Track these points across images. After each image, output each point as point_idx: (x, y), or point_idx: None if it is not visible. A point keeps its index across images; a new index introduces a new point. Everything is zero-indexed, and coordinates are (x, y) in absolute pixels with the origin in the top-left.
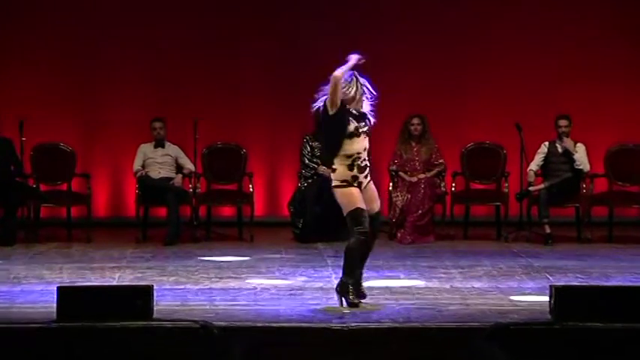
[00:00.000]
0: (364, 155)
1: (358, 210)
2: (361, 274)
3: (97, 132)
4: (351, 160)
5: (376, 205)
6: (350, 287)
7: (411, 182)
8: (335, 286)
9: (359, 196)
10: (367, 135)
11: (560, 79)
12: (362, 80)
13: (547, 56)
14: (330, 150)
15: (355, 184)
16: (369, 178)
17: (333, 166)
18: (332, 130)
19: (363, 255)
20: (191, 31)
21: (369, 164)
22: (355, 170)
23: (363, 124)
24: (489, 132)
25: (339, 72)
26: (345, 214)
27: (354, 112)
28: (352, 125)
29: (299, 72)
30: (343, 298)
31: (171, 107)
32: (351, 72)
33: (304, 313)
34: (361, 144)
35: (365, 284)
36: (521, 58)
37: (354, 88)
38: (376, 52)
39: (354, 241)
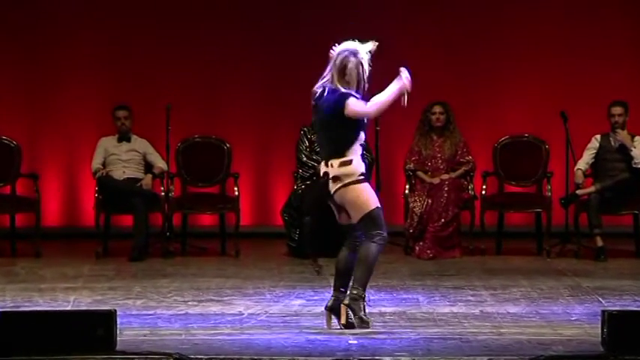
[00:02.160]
0: None
1: (379, 210)
2: (344, 291)
3: (47, 123)
4: (362, 149)
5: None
6: (363, 302)
7: (432, 184)
8: (327, 307)
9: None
10: None
11: (614, 57)
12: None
13: (598, 31)
14: (347, 138)
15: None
16: None
17: (348, 158)
18: (351, 119)
19: (351, 268)
20: (163, 3)
21: None
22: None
23: None
24: (528, 123)
25: (374, 108)
26: (362, 214)
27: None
28: None
29: (295, 52)
30: (351, 313)
31: (138, 93)
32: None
33: (301, 344)
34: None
35: (376, 309)
36: (565, 33)
37: (361, 67)
38: (388, 28)
39: (375, 247)
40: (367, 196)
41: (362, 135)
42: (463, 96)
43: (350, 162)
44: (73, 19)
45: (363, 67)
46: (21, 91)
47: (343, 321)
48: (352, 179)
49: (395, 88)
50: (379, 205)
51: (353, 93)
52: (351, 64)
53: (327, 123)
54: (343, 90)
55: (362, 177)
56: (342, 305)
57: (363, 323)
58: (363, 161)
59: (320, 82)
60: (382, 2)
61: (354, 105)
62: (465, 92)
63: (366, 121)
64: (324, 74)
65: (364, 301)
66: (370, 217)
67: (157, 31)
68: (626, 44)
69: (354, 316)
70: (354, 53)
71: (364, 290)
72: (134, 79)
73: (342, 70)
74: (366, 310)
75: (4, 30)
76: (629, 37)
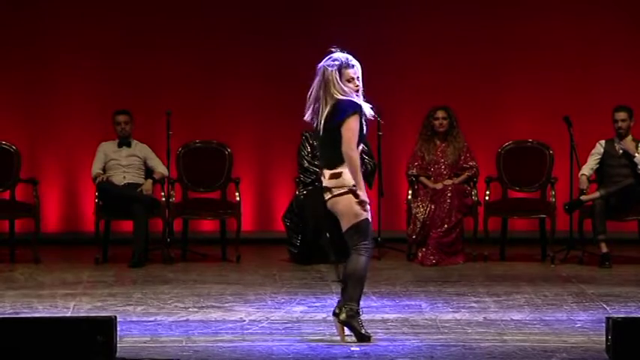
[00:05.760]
0: None
1: (368, 221)
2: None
3: (47, 128)
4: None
5: None
6: (360, 317)
7: (435, 190)
8: (335, 313)
9: None
10: None
11: (619, 62)
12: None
13: (602, 36)
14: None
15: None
16: None
17: (337, 170)
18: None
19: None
20: (163, 9)
21: None
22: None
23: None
24: (532, 128)
25: (350, 159)
26: (349, 225)
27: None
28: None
29: (296, 56)
30: (353, 331)
31: (138, 98)
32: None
33: (303, 351)
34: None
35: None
36: (570, 37)
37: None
38: (391, 32)
39: (363, 259)
40: (357, 207)
41: (360, 147)
42: (466, 101)
43: (339, 174)
44: (72, 24)
45: (340, 72)
46: (21, 96)
47: (343, 339)
48: (341, 191)
49: (361, 183)
50: (369, 218)
51: (355, 101)
52: (328, 75)
53: (324, 136)
54: (344, 99)
55: (354, 188)
56: (338, 323)
57: (365, 340)
58: (364, 168)
59: (309, 104)
60: (384, 6)
61: (348, 129)
62: (468, 97)
63: (365, 132)
64: (311, 93)
65: (359, 315)
66: (357, 228)
67: (158, 36)
68: (631, 49)
69: (355, 334)
70: (330, 62)
71: (358, 305)
72: (135, 84)
73: (327, 84)
74: (363, 323)
75: (4, 36)
76: (634, 42)
